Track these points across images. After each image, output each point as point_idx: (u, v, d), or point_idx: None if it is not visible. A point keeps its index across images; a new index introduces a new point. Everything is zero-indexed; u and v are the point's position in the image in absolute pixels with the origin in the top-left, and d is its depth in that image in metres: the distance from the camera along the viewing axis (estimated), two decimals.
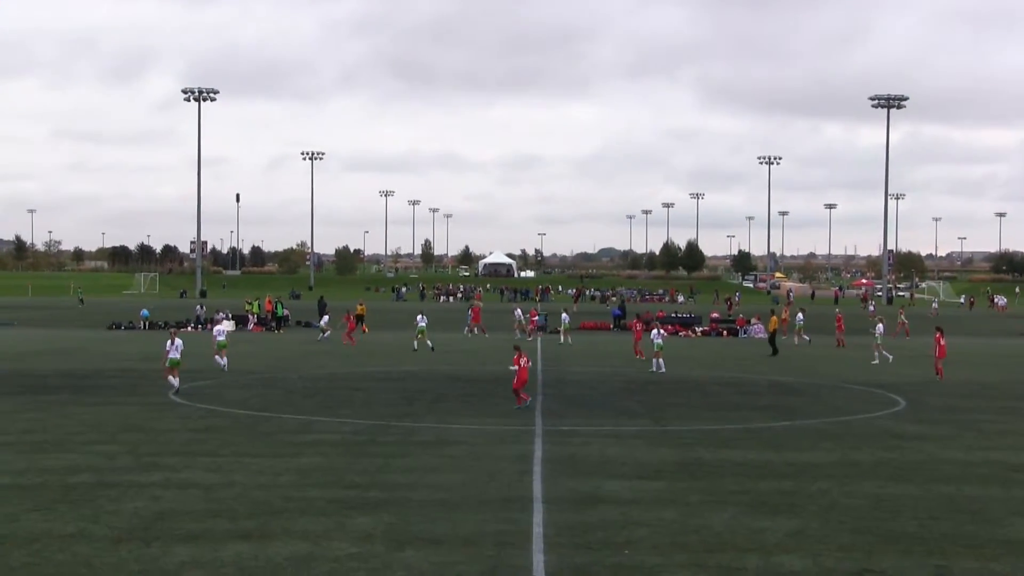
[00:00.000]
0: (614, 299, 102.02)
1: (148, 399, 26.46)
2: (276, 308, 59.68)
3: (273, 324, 58.42)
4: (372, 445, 19.83)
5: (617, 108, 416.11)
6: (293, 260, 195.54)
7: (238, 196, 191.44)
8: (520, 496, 15.34)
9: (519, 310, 55.87)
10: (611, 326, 62.33)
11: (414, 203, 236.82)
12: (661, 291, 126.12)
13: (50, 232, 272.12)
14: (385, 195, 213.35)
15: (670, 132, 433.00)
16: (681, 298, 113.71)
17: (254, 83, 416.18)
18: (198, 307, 63.47)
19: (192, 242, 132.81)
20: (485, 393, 28.74)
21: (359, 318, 54.06)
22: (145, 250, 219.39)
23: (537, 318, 53.72)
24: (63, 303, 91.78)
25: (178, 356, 28.20)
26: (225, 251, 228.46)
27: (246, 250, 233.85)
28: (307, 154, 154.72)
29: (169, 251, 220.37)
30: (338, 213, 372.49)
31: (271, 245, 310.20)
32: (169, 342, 28.29)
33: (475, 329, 53.69)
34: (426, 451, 19.20)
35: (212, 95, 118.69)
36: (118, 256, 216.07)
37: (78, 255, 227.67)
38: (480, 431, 21.64)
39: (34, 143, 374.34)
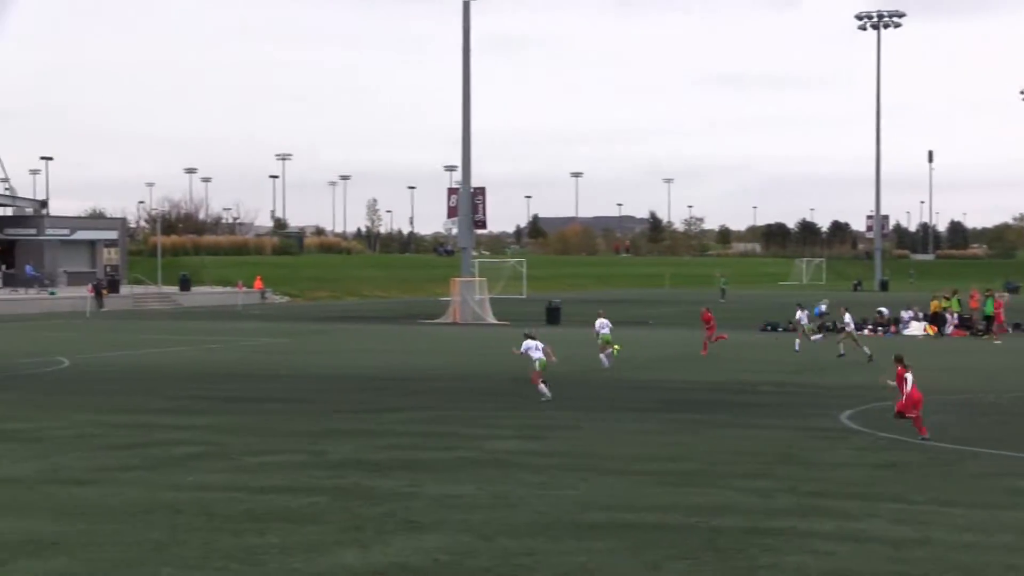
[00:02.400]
0: None
1: (810, 422, 27.22)
2: (984, 305, 58.37)
3: (981, 326, 57.50)
4: None
5: None
6: (1008, 239, 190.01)
7: (931, 154, 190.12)
8: None
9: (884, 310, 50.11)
10: None
11: None
12: None
13: (690, 207, 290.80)
14: None
15: None
16: None
17: None
18: (882, 308, 63.77)
19: (869, 217, 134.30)
20: None
21: (935, 316, 51.16)
22: (807, 228, 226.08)
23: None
24: (703, 297, 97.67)
25: (543, 356, 31.09)
26: (913, 228, 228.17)
27: (941, 227, 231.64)
28: None
29: (839, 229, 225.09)
30: None
31: (976, 219, 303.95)
32: (530, 341, 31.41)
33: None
34: None
35: (895, 19, 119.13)
36: (773, 236, 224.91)
37: (724, 236, 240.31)
38: None
39: (671, 91, 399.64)
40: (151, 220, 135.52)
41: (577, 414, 28.86)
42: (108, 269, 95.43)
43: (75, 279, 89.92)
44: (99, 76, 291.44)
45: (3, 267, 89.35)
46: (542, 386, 31.05)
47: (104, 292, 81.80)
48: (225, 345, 51.63)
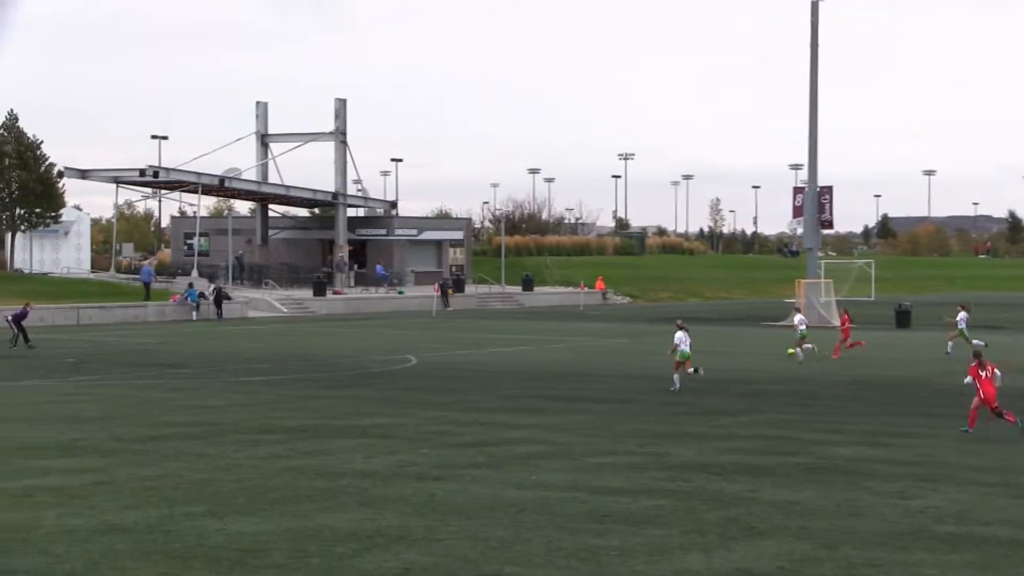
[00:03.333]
0: None
1: None
2: None
3: None
4: None
5: None
6: None
7: None
8: None
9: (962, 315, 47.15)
10: None
11: None
12: None
13: None
14: None
15: None
16: None
17: None
18: None
19: None
20: None
21: None
22: None
23: None
24: None
25: (687, 348, 33.82)
26: None
27: None
28: None
29: None
30: None
31: None
32: (681, 332, 34.03)
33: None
34: None
35: None
36: None
37: None
38: None
39: None
40: (495, 220, 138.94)
41: (920, 420, 28.18)
42: (454, 269, 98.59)
43: (422, 278, 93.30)
44: (446, 78, 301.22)
45: (355, 266, 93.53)
46: (676, 376, 34.01)
47: (450, 291, 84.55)
48: (566, 345, 52.54)
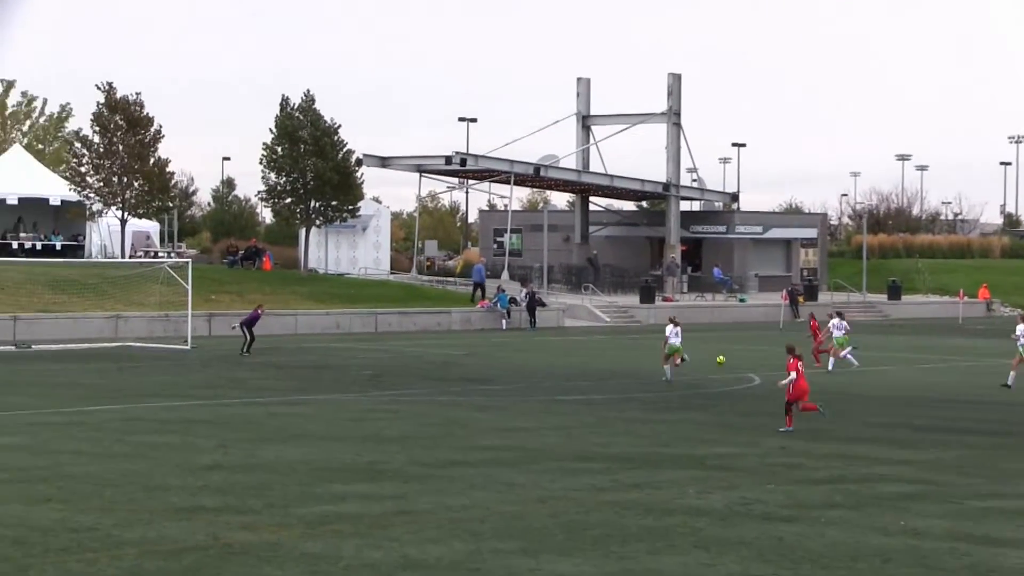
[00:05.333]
0: None
1: None
2: None
3: None
4: None
5: None
6: None
7: None
8: None
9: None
10: None
11: None
12: None
13: None
14: None
15: None
16: None
17: None
18: None
19: None
20: None
21: None
22: None
23: None
24: None
25: (677, 342, 40.83)
26: None
27: None
28: None
29: None
30: None
31: None
32: (671, 326, 40.93)
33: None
34: None
35: None
36: None
37: None
38: None
39: None
40: (855, 216, 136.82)
41: None
42: (805, 273, 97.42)
43: (767, 284, 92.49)
44: (794, 50, 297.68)
45: (689, 269, 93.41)
46: (667, 367, 41.39)
47: (800, 299, 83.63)
48: (943, 365, 51.22)
